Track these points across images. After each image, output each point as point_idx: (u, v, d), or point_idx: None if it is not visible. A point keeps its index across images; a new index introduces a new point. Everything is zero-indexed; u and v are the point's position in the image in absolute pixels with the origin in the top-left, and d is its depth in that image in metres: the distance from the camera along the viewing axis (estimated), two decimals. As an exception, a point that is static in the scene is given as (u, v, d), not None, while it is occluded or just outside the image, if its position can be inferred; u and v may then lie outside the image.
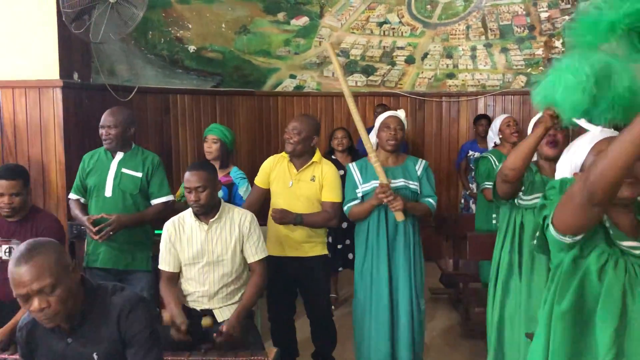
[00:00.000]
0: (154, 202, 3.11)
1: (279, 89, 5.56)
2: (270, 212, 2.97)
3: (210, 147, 3.42)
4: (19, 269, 1.59)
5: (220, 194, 3.34)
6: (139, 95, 4.55)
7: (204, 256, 2.63)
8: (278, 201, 3.00)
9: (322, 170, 3.02)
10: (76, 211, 3.11)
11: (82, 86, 3.99)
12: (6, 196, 2.70)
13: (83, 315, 1.70)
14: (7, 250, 2.74)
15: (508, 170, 2.25)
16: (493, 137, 4.02)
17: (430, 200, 2.85)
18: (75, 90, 3.91)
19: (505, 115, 3.95)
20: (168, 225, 2.69)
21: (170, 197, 3.13)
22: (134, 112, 3.41)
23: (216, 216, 2.64)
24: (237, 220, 2.66)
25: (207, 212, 2.61)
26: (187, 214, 2.69)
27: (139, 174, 3.08)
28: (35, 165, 3.81)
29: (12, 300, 2.65)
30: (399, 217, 2.76)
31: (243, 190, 3.36)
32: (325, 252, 3.07)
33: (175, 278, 2.69)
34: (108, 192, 3.06)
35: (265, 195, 3.09)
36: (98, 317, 1.71)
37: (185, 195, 2.63)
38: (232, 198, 3.33)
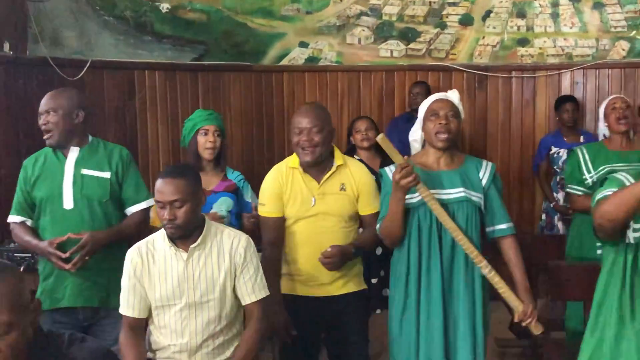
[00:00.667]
0: (132, 209, 3.14)
1: (284, 62, 5.55)
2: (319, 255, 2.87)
3: (214, 142, 3.42)
4: None
5: (226, 203, 3.38)
6: (93, 72, 4.57)
7: (182, 296, 2.62)
8: (298, 227, 3.00)
9: (353, 175, 3.04)
10: (25, 237, 3.09)
11: (14, 60, 4.01)
12: None
13: None
14: None
15: (605, 220, 2.23)
16: (602, 128, 3.92)
17: (505, 226, 2.80)
18: (6, 65, 3.93)
19: (613, 96, 3.87)
20: (132, 253, 2.68)
21: (151, 202, 3.14)
22: (85, 94, 3.42)
23: (199, 240, 2.63)
24: (227, 245, 2.66)
25: (186, 234, 2.60)
26: (159, 238, 2.69)
27: (106, 174, 3.11)
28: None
29: None
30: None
31: (249, 195, 3.41)
32: (363, 286, 3.10)
33: (140, 327, 2.68)
34: (68, 204, 3.06)
35: (283, 225, 3.05)
36: None
37: (157, 212, 2.62)
38: (242, 210, 3.38)
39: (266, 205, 3.05)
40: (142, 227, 3.10)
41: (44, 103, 3.08)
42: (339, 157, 3.05)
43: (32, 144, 3.96)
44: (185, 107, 4.96)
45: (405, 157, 2.73)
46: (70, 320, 3.06)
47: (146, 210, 3.16)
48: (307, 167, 3.01)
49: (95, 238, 2.99)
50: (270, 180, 3.08)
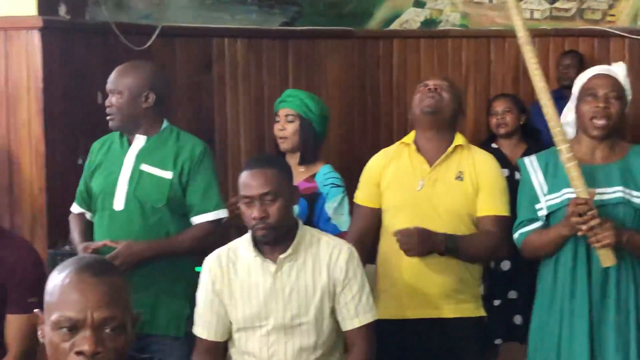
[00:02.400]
0: (195, 220, 3.15)
1: (394, 26, 5.53)
2: (393, 235, 2.87)
3: (285, 130, 3.43)
4: (73, 294, 1.69)
5: (294, 210, 3.37)
6: (164, 41, 4.65)
7: (269, 317, 2.66)
8: (398, 221, 2.97)
9: (475, 163, 3.02)
10: (74, 232, 3.22)
11: (72, 27, 4.13)
12: None
13: None
14: None
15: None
16: None
17: None
18: (61, 33, 4.05)
19: None
20: (210, 262, 2.73)
21: (221, 213, 3.16)
22: (162, 71, 3.50)
23: (290, 250, 2.65)
24: (324, 256, 2.67)
25: (279, 237, 2.64)
26: (242, 245, 2.73)
27: (167, 174, 3.13)
28: (-3, 154, 4.02)
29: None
30: (607, 260, 2.67)
31: (334, 205, 3.32)
32: (481, 312, 3.08)
33: (218, 352, 2.73)
34: (118, 204, 3.13)
35: (379, 218, 3.08)
36: None
37: (242, 211, 2.66)
38: (315, 219, 3.31)
39: (360, 190, 3.09)
40: (208, 241, 3.07)
41: (110, 81, 3.15)
42: (459, 138, 3.04)
43: (90, 124, 4.11)
44: (272, 83, 5.01)
45: (593, 191, 2.67)
46: None
47: (213, 224, 3.12)
48: (422, 144, 3.01)
49: (132, 250, 3.01)
50: (371, 163, 3.12)
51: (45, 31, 3.91)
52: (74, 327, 1.69)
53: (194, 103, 4.93)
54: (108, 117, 3.15)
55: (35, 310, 1.81)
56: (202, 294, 2.71)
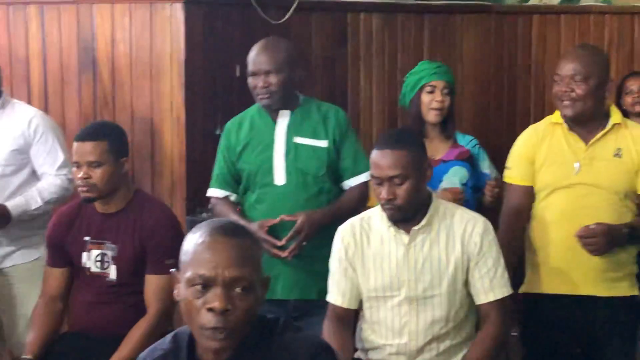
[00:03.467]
0: (349, 183, 3.24)
1: (533, 1, 5.41)
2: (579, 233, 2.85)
3: (442, 102, 3.46)
4: (206, 253, 1.77)
5: (460, 174, 3.40)
6: (300, 15, 4.72)
7: (401, 287, 2.69)
8: (554, 200, 2.96)
9: (634, 139, 2.95)
10: (231, 216, 3.24)
11: (214, 0, 4.27)
12: (83, 167, 3.01)
13: (239, 354, 1.84)
14: (99, 257, 3.09)
15: None
16: None
17: None
18: (203, 7, 4.17)
19: None
20: (344, 231, 2.78)
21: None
22: (295, 44, 3.57)
23: (423, 221, 2.67)
24: (458, 229, 2.68)
25: (407, 216, 2.66)
26: (376, 215, 2.77)
27: (322, 143, 3.22)
28: (141, 122, 4.17)
29: (104, 337, 3.07)
30: None
31: (487, 164, 3.43)
32: (635, 291, 3.06)
33: (350, 320, 2.78)
34: (279, 179, 3.21)
35: (533, 197, 3.05)
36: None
37: (373, 190, 2.70)
38: (477, 180, 3.40)
39: (512, 169, 3.05)
40: (362, 205, 3.17)
41: (260, 60, 3.19)
42: (616, 115, 2.96)
43: (228, 96, 4.23)
44: (405, 59, 4.99)
45: None
46: (279, 310, 3.21)
47: (366, 184, 3.21)
48: (573, 124, 2.96)
49: (312, 220, 3.10)
50: (522, 140, 3.07)
51: (188, 4, 4.05)
52: (206, 285, 1.76)
53: (328, 78, 4.97)
54: (263, 99, 3.20)
55: (172, 270, 1.90)
56: (336, 262, 2.77)
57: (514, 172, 3.08)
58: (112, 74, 4.20)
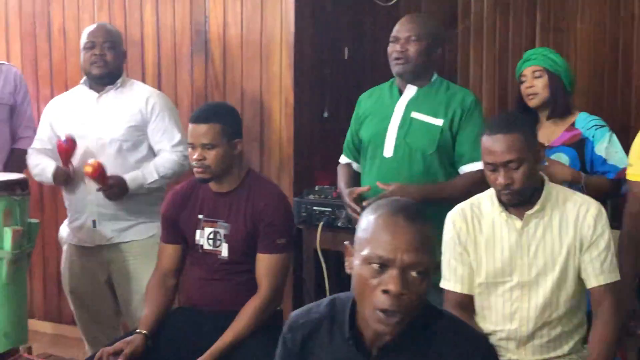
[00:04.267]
0: (464, 169, 3.24)
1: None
2: None
3: (533, 87, 3.42)
4: (386, 234, 1.82)
5: (562, 159, 3.34)
6: (410, -3, 4.73)
7: (513, 273, 2.67)
8: None
9: None
10: (340, 181, 3.41)
11: (323, -18, 4.30)
12: (197, 148, 3.09)
13: (401, 337, 1.87)
14: (212, 235, 3.17)
15: None
16: None
17: None
18: (313, -12, 4.23)
19: None
20: (455, 215, 2.77)
21: None
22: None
23: (537, 206, 2.64)
24: (572, 214, 2.64)
25: (524, 200, 2.64)
26: (486, 200, 2.75)
27: (438, 121, 3.22)
28: (251, 104, 4.24)
29: (216, 312, 3.15)
30: None
31: (604, 145, 3.30)
32: None
33: (470, 307, 2.77)
34: (388, 150, 3.25)
35: None
36: (420, 347, 1.89)
37: (487, 176, 2.68)
38: (587, 165, 3.31)
39: (634, 166, 2.97)
40: (474, 192, 3.13)
41: (407, 28, 3.22)
42: None
43: (336, 79, 4.26)
44: (517, 40, 4.92)
45: None
46: None
47: (482, 172, 3.21)
48: None
49: (404, 191, 3.08)
50: None
51: (299, -14, 4.10)
52: (383, 265, 1.80)
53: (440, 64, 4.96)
54: (398, 62, 3.23)
55: (346, 242, 1.94)
56: (450, 248, 2.75)
57: (635, 169, 2.99)
58: (223, 56, 4.29)
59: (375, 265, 1.79)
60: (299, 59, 4.15)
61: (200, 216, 3.19)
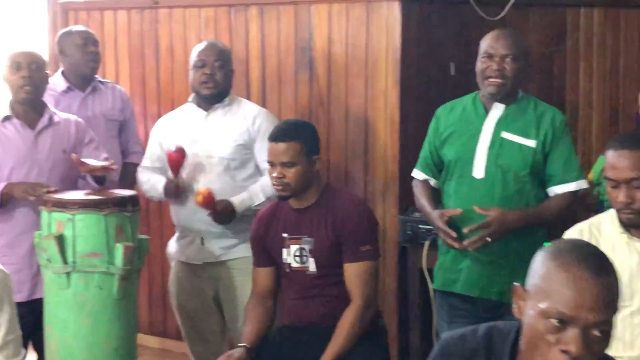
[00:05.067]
0: (555, 190, 3.16)
1: None
2: None
3: None
4: (570, 289, 1.66)
5: None
6: (518, 11, 4.62)
7: (634, 297, 2.59)
8: None
9: None
10: (422, 199, 3.34)
11: (430, -1, 4.26)
12: (277, 166, 3.11)
13: None
14: (298, 252, 3.18)
15: None
16: None
17: None
18: (420, 3, 4.17)
19: None
20: (572, 236, 2.69)
21: (582, 184, 3.17)
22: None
23: (659, 228, 2.56)
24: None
25: None
26: (606, 221, 2.67)
27: (531, 142, 3.16)
28: (356, 120, 4.23)
29: (315, 329, 3.14)
30: None
31: None
32: None
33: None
34: (478, 171, 3.19)
35: None
36: None
37: (608, 193, 2.60)
38: None
39: None
40: (565, 214, 3.08)
41: (504, 45, 3.16)
42: None
43: (442, 95, 4.19)
44: (629, 56, 4.78)
45: None
46: (468, 308, 3.21)
47: (573, 194, 3.13)
48: None
49: (505, 219, 3.04)
50: None
51: (405, 2, 4.06)
52: (563, 322, 1.65)
53: (545, 76, 4.85)
54: (495, 80, 3.16)
55: (516, 284, 1.81)
56: None
57: None
58: (327, 73, 4.29)
59: (554, 321, 1.65)
60: (405, 75, 4.12)
61: (284, 235, 3.23)
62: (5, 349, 2.51)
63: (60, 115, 3.78)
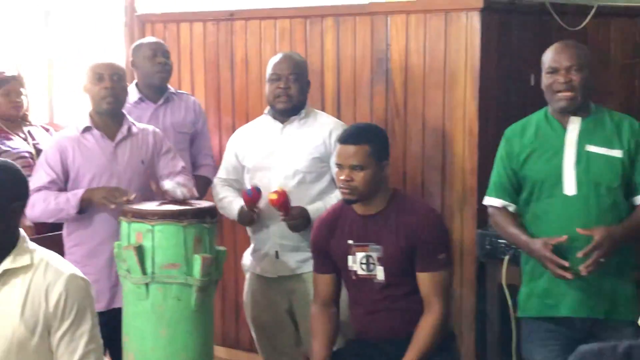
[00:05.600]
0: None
1: None
2: None
3: None
4: None
5: None
6: (598, 21, 4.52)
7: None
8: None
9: None
10: (511, 228, 3.19)
11: (510, 7, 4.16)
12: (345, 169, 3.09)
13: None
14: (365, 260, 3.15)
15: None
16: None
17: None
18: (500, 14, 4.10)
19: None
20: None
21: None
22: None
23: None
24: None
25: None
26: None
27: (616, 152, 3.08)
28: (433, 132, 4.17)
29: (385, 342, 3.09)
30: None
31: None
32: None
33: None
34: (570, 189, 3.09)
35: None
36: None
37: None
38: None
39: None
40: None
41: (566, 57, 3.09)
42: None
43: (522, 106, 4.12)
44: None
45: None
46: (564, 330, 3.11)
47: None
48: None
49: (613, 235, 2.94)
50: None
51: (485, 12, 3.99)
52: None
53: (627, 86, 4.74)
54: (565, 94, 3.09)
55: None
56: None
57: None
58: (404, 84, 4.24)
59: None
60: (484, 87, 4.04)
61: (349, 241, 3.20)
62: (86, 359, 2.51)
63: (138, 126, 3.81)
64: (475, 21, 3.99)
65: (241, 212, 3.72)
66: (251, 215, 3.68)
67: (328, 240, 3.24)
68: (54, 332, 2.48)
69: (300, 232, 3.64)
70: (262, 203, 3.67)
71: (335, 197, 3.65)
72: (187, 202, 3.50)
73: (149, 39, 4.49)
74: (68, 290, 2.48)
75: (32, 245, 2.57)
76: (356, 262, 3.17)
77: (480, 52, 4.00)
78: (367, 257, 3.15)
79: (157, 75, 4.25)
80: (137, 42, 4.48)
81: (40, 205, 3.57)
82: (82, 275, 2.59)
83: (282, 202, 3.53)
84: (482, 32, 3.99)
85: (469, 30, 4.02)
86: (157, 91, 4.30)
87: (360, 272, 3.17)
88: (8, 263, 2.47)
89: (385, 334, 3.15)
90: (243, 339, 4.83)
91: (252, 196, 3.63)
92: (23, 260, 2.49)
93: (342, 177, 3.10)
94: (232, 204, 3.77)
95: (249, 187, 3.71)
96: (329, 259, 3.26)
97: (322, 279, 3.29)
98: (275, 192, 3.54)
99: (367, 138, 3.13)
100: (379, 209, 3.16)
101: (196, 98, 4.63)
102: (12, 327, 2.44)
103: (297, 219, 3.60)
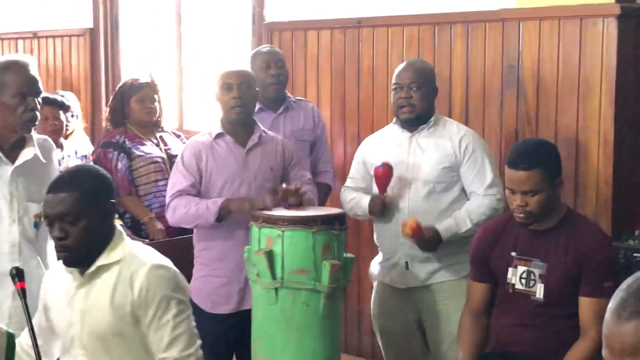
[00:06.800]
0: None
1: None
2: None
3: None
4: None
5: None
6: None
7: None
8: None
9: None
10: None
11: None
12: (518, 194, 3.03)
13: None
14: (525, 275, 3.08)
15: None
16: None
17: None
18: (637, 20, 3.98)
19: None
20: None
21: None
22: None
23: None
24: None
25: None
26: None
27: None
28: (566, 141, 4.05)
29: (522, 352, 3.01)
30: None
31: None
32: None
33: None
34: None
35: None
36: None
37: None
38: None
39: None
40: None
41: None
42: None
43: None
44: None
45: None
46: None
47: None
48: None
49: None
50: None
51: (622, 19, 3.87)
52: None
53: None
54: None
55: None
56: None
57: None
58: (536, 92, 4.15)
59: None
60: (621, 95, 3.92)
61: (513, 253, 3.13)
62: (176, 344, 2.60)
63: (268, 134, 3.85)
64: (611, 27, 3.87)
65: (372, 202, 3.68)
66: (382, 200, 3.63)
67: (490, 249, 3.19)
68: (142, 320, 2.61)
69: (432, 251, 3.60)
70: (392, 191, 3.65)
71: (465, 211, 3.58)
72: (316, 209, 3.51)
73: (264, 47, 4.48)
74: (150, 280, 2.61)
75: (127, 240, 2.75)
76: (515, 275, 3.11)
77: (617, 59, 3.88)
78: (529, 272, 3.08)
79: (271, 88, 4.25)
80: (254, 51, 4.50)
81: (181, 211, 3.65)
82: (168, 264, 2.69)
83: (417, 234, 3.50)
84: (619, 38, 3.87)
85: (606, 37, 3.90)
86: (275, 100, 4.31)
87: (518, 286, 3.11)
88: (102, 259, 2.65)
89: (531, 350, 3.07)
90: (365, 346, 4.84)
91: (384, 170, 3.59)
92: (115, 255, 2.66)
93: (515, 202, 3.02)
94: (361, 199, 3.75)
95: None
96: (487, 267, 3.21)
97: (477, 287, 3.25)
98: (408, 225, 3.48)
99: (538, 161, 3.03)
100: (549, 225, 3.09)
101: (318, 107, 4.63)
102: (105, 317, 2.61)
103: (430, 243, 3.56)
